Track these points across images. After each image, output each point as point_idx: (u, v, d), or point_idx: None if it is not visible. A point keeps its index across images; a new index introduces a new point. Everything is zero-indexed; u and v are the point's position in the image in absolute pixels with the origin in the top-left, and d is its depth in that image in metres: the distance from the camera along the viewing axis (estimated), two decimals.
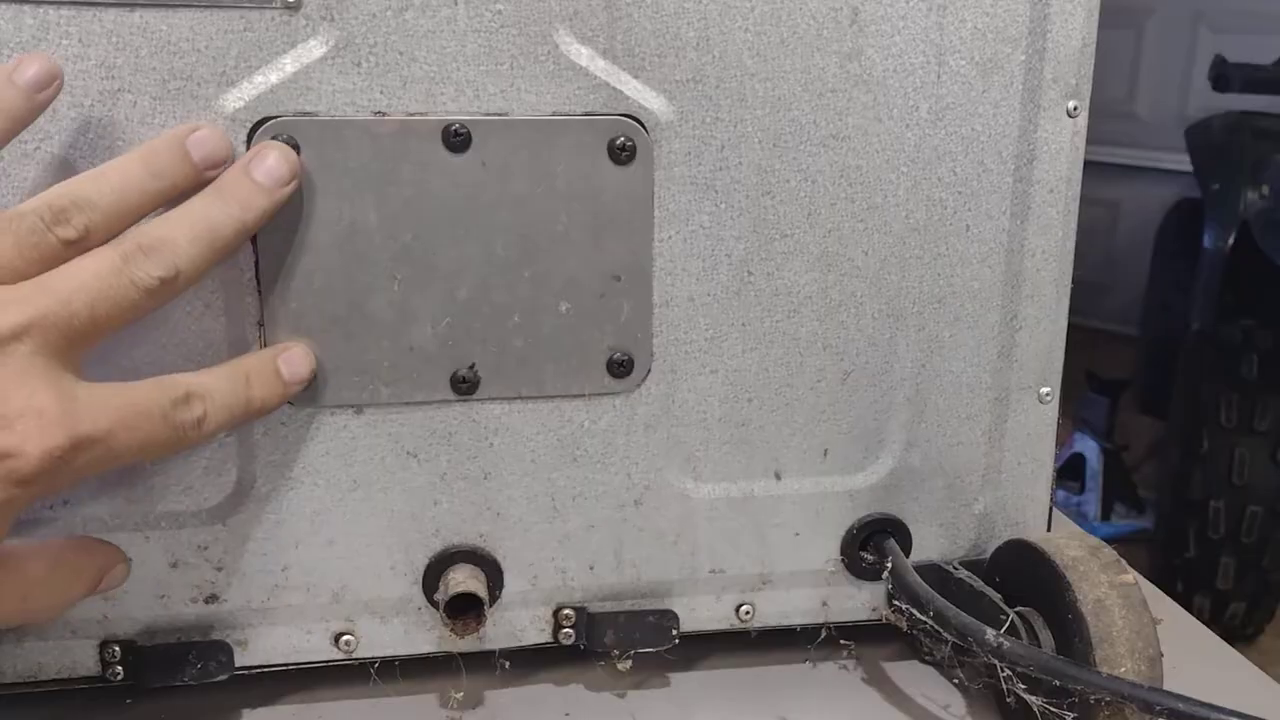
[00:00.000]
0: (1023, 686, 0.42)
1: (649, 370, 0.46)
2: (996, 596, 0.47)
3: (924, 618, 0.45)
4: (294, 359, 0.41)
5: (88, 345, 0.36)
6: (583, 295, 0.44)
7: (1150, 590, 0.53)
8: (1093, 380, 2.31)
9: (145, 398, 0.36)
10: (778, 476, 0.48)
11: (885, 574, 0.48)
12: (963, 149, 0.46)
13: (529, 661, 0.49)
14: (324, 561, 0.45)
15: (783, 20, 0.43)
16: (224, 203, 0.38)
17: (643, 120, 0.43)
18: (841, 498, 0.49)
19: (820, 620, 0.50)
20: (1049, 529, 0.52)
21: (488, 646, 0.48)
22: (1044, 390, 0.49)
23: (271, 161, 0.39)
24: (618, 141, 0.43)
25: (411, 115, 0.41)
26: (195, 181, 0.38)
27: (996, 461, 0.50)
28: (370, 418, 0.44)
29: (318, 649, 0.46)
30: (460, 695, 0.47)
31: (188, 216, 0.38)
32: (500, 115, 0.42)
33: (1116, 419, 2.29)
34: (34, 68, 0.36)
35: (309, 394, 0.43)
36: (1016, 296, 0.48)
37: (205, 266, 0.38)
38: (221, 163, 0.39)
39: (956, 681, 0.49)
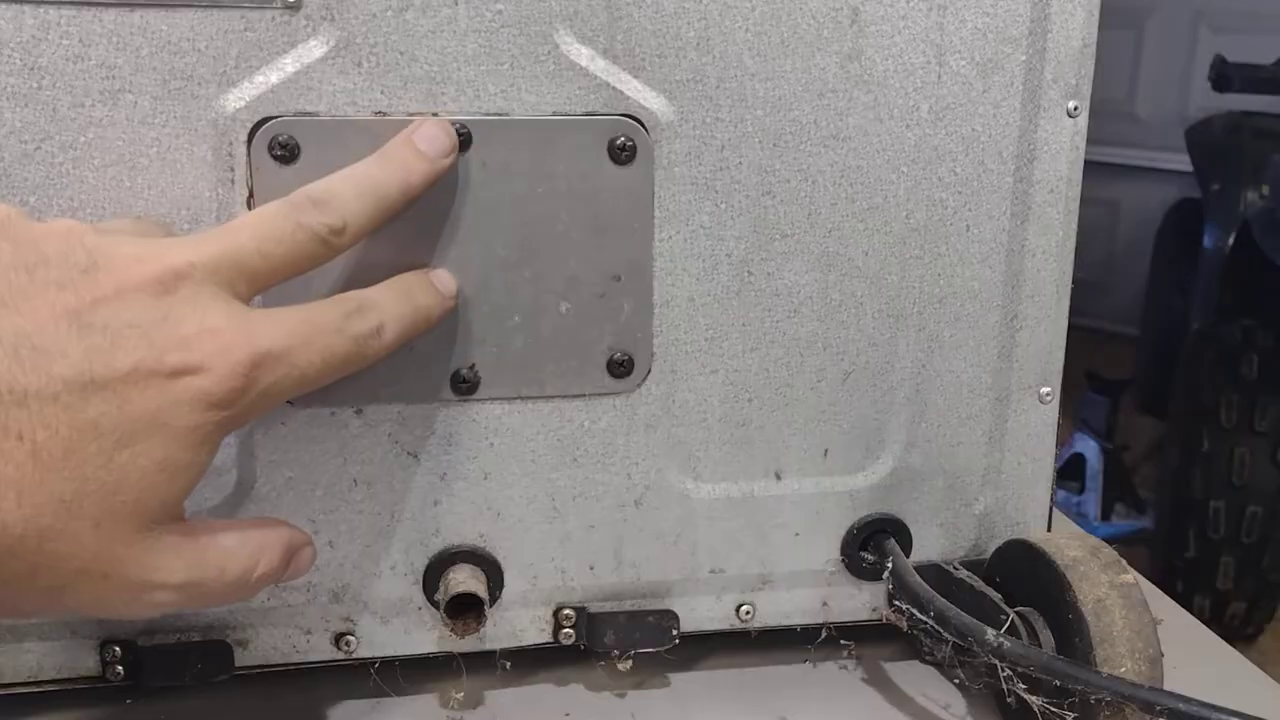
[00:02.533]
0: (1023, 686, 0.42)
1: (649, 370, 0.46)
2: (997, 596, 0.47)
3: (924, 618, 0.45)
4: (443, 276, 0.42)
5: (259, 285, 0.36)
6: (583, 295, 0.44)
7: (1150, 590, 0.53)
8: (1093, 380, 2.32)
9: (319, 313, 0.36)
10: (778, 476, 0.48)
11: (885, 574, 0.48)
12: (963, 149, 0.46)
13: (529, 661, 0.49)
14: (323, 561, 0.45)
15: (783, 20, 0.43)
16: (387, 165, 0.39)
17: (643, 120, 0.43)
18: (841, 498, 0.49)
19: (820, 620, 0.50)
20: (1049, 529, 0.52)
21: (488, 646, 0.48)
22: (1044, 390, 0.49)
23: (432, 131, 0.40)
24: (618, 141, 0.43)
25: (412, 115, 0.41)
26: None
27: (997, 461, 0.50)
28: (370, 418, 0.44)
29: (318, 649, 0.46)
30: (460, 695, 0.47)
31: (353, 176, 0.39)
32: (500, 115, 0.42)
33: (1116, 419, 2.29)
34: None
35: (309, 393, 0.43)
36: (1017, 296, 0.48)
37: (370, 224, 0.38)
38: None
39: (957, 682, 0.49)
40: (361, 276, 0.42)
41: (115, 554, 0.32)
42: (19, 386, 0.30)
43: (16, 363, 0.30)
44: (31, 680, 0.44)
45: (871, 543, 0.49)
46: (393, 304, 0.39)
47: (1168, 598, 0.57)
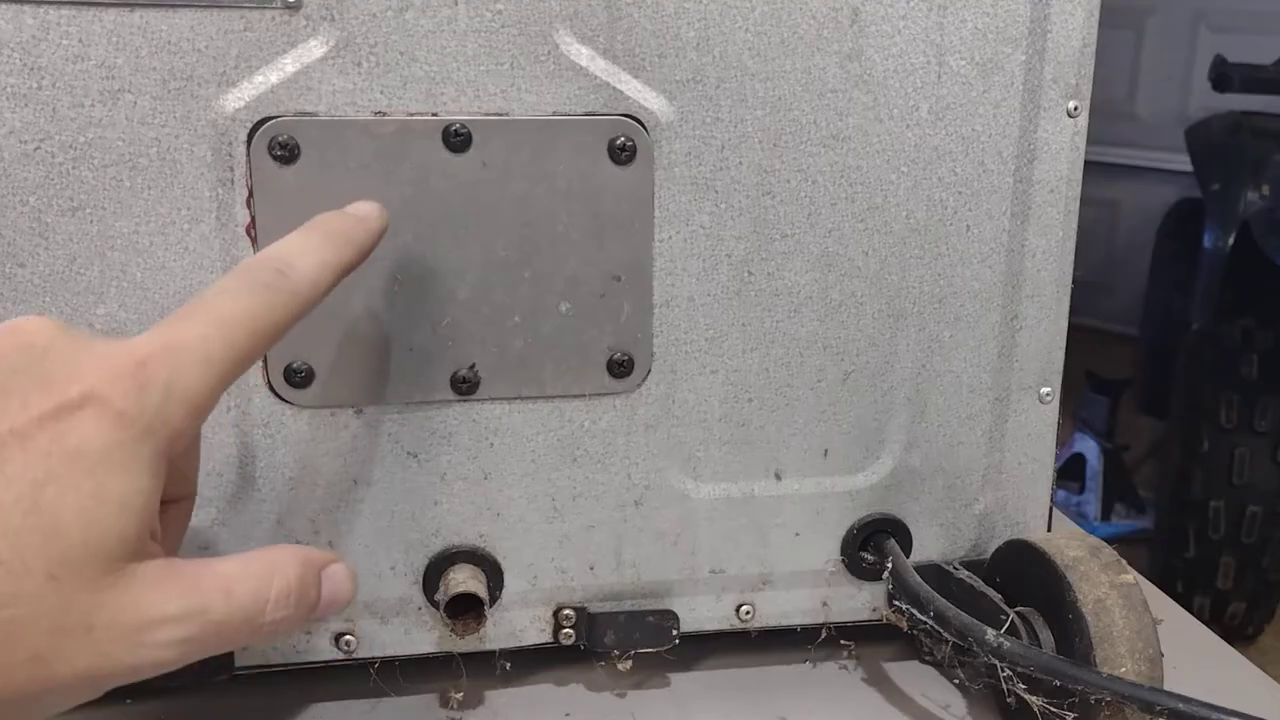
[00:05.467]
0: (1023, 686, 0.42)
1: (649, 370, 0.46)
2: (996, 596, 0.47)
3: (924, 618, 0.45)
4: (359, 205, 0.39)
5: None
6: (583, 295, 0.44)
7: (1150, 590, 0.53)
8: (1093, 380, 2.31)
9: (207, 289, 0.33)
10: (778, 476, 0.48)
11: (885, 574, 0.48)
12: (963, 149, 0.46)
13: (529, 661, 0.49)
14: None
15: (783, 20, 0.43)
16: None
17: (643, 120, 0.43)
18: (842, 498, 0.49)
19: (820, 620, 0.50)
20: (1049, 529, 0.52)
21: (488, 646, 0.48)
22: (1044, 390, 0.49)
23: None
24: (618, 141, 0.43)
25: (412, 115, 0.41)
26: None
27: (997, 461, 0.50)
28: (370, 418, 0.44)
29: (318, 649, 0.46)
30: (460, 695, 0.47)
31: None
32: (500, 115, 0.42)
33: (1116, 419, 2.29)
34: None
35: (309, 394, 0.43)
36: (1017, 296, 0.48)
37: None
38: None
39: (956, 681, 0.49)
40: (362, 278, 0.42)
41: (88, 602, 0.29)
42: None
43: None
44: None
45: (871, 543, 0.49)
46: (296, 241, 0.36)
47: (1168, 598, 0.57)
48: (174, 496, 0.36)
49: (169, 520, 0.35)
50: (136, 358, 0.31)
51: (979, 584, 0.48)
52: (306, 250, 0.36)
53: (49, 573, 0.29)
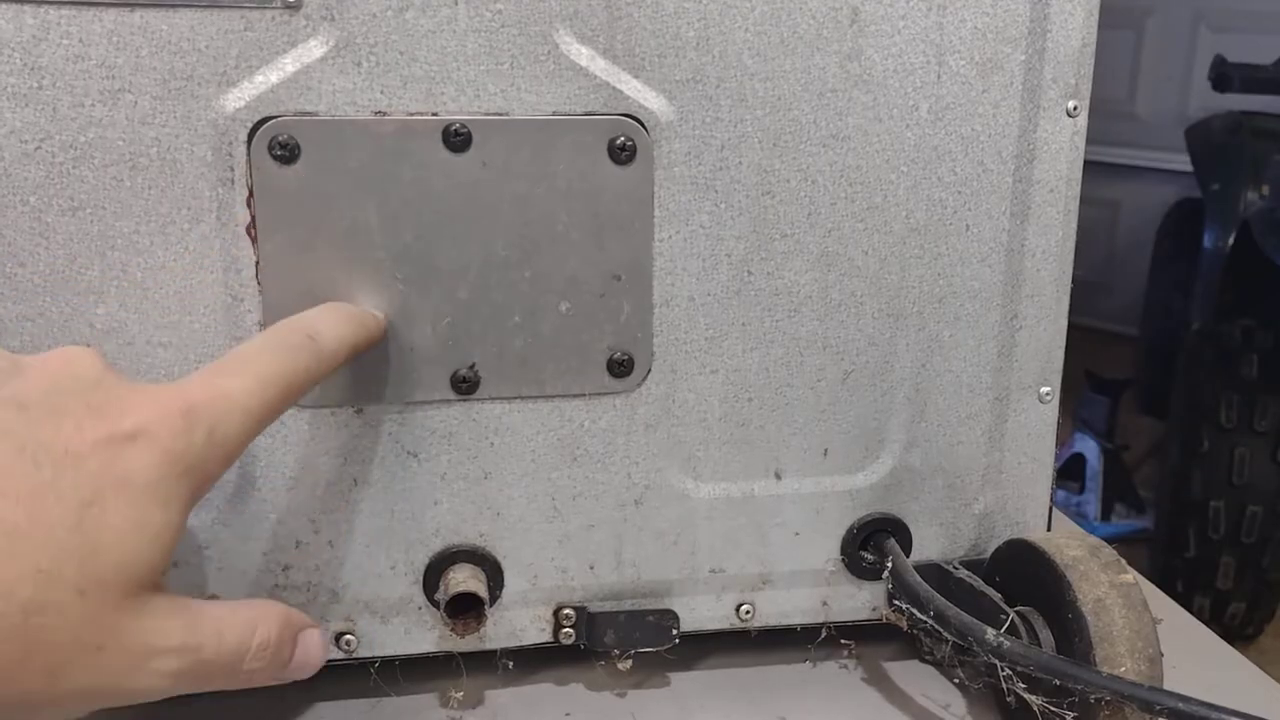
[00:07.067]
0: (1023, 686, 0.42)
1: (649, 370, 0.46)
2: (996, 596, 0.47)
3: (924, 617, 0.45)
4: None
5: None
6: (583, 295, 0.44)
7: (1150, 590, 0.53)
8: (1093, 380, 2.32)
9: (243, 346, 0.37)
10: (778, 476, 0.48)
11: (885, 574, 0.48)
12: (963, 149, 0.46)
13: (529, 661, 0.49)
14: (324, 561, 0.45)
15: (783, 20, 0.43)
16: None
17: (643, 120, 0.43)
18: (841, 497, 0.49)
19: (820, 620, 0.50)
20: (1049, 529, 0.52)
21: (488, 646, 0.48)
22: (1044, 390, 0.49)
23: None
24: (618, 141, 0.43)
25: (412, 115, 0.42)
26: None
27: (996, 461, 0.50)
28: (370, 418, 0.44)
29: None
30: (460, 695, 0.47)
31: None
32: (500, 115, 0.42)
33: (1116, 419, 2.29)
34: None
35: (309, 394, 0.43)
36: (1016, 296, 0.48)
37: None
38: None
39: (956, 681, 0.49)
40: (362, 278, 0.42)
41: (107, 623, 0.31)
42: None
43: None
44: None
45: (871, 542, 0.49)
46: (322, 314, 0.40)
47: (1168, 598, 0.57)
48: None
49: None
50: (187, 401, 0.33)
51: (979, 583, 0.48)
52: (332, 324, 0.40)
53: (80, 588, 0.30)
